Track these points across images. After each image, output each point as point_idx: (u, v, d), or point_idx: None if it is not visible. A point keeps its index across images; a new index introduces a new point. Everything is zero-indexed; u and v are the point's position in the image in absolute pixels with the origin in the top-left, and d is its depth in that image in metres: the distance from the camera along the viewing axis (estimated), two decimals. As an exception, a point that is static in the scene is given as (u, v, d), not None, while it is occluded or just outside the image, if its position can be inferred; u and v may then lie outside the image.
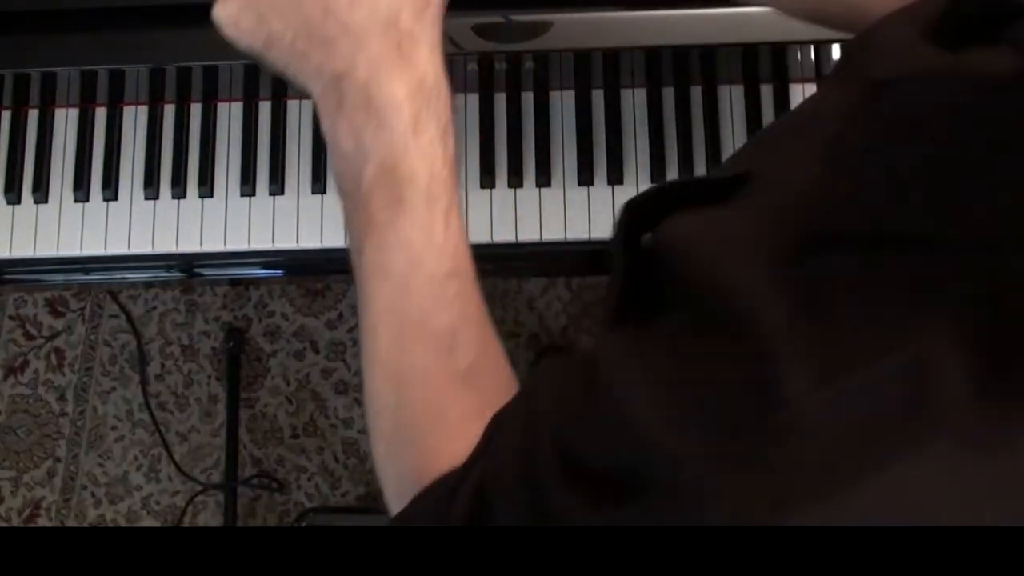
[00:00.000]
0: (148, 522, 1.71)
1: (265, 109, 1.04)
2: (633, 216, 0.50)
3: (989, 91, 0.40)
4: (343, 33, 0.54)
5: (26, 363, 1.75)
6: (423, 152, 0.54)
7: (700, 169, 1.00)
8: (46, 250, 1.02)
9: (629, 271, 0.50)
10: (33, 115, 1.05)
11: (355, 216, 0.56)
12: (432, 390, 0.55)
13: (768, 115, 1.02)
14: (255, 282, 1.72)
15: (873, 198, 0.40)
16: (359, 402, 1.73)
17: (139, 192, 1.03)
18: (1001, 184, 0.39)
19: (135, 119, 1.04)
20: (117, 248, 1.02)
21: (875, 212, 0.40)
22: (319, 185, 1.02)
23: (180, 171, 1.03)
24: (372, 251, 0.55)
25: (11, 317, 1.77)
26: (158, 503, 1.71)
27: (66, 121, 1.04)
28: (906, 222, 0.40)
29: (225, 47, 0.58)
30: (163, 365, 1.75)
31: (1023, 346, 0.37)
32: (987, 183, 0.39)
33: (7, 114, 1.05)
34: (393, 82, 0.54)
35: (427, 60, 0.55)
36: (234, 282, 1.68)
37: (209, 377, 1.74)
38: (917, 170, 0.40)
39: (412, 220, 0.54)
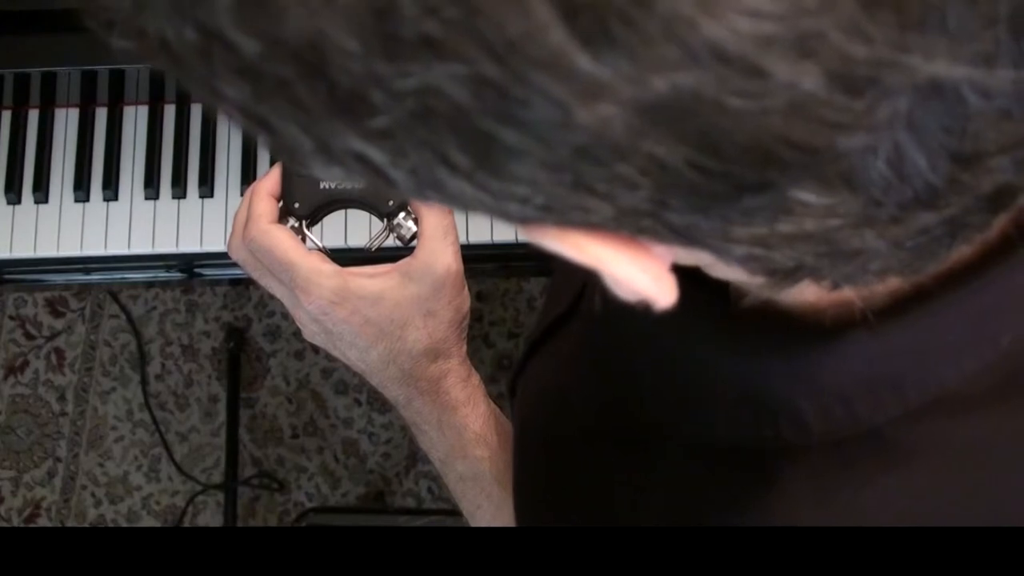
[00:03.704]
0: (148, 522, 1.71)
1: (265, 109, 1.04)
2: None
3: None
4: (381, 386, 0.69)
5: (26, 363, 1.75)
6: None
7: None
8: (46, 250, 1.02)
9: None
10: (33, 115, 1.05)
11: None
12: None
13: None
14: (255, 282, 1.72)
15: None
16: (359, 402, 1.73)
17: (139, 192, 1.03)
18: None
19: (135, 119, 1.04)
20: (117, 248, 1.02)
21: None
22: (319, 185, 1.01)
23: (180, 171, 1.03)
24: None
25: (11, 317, 1.77)
26: (158, 503, 1.71)
27: (66, 121, 1.04)
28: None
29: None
30: (163, 365, 1.75)
31: None
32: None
33: (7, 114, 1.05)
34: (425, 410, 0.69)
35: (447, 389, 0.69)
36: (234, 282, 1.68)
37: (209, 377, 1.74)
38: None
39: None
